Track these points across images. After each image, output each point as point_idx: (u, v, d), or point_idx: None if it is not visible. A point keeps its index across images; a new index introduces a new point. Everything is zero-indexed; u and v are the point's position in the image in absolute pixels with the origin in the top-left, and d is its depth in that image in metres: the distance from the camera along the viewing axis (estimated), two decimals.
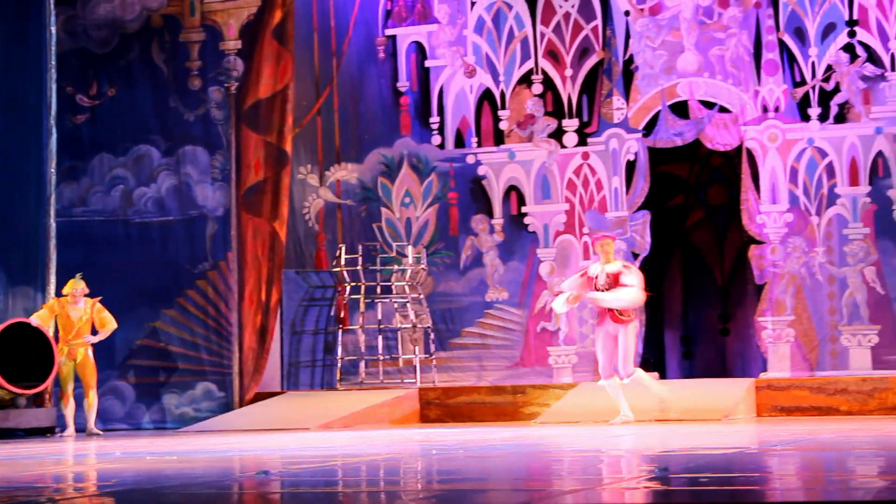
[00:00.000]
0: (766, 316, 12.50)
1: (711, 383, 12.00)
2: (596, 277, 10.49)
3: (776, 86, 12.71)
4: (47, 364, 11.64)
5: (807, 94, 12.66)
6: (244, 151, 13.07)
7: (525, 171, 13.40)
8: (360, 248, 13.19)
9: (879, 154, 12.44)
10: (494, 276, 13.36)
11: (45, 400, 12.33)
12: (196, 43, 13.36)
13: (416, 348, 13.07)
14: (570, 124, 13.31)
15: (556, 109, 13.36)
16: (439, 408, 12.21)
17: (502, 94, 13.52)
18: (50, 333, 11.77)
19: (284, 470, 6.41)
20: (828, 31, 12.63)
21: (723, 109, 12.89)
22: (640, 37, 13.11)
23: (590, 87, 13.27)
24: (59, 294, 12.13)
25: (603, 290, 10.45)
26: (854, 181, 12.50)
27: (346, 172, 13.76)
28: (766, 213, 12.65)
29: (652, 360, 13.28)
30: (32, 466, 7.30)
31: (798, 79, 12.68)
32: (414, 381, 12.83)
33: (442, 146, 13.66)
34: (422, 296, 13.25)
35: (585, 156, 13.26)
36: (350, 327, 13.22)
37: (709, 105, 12.93)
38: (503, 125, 13.51)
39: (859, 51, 12.51)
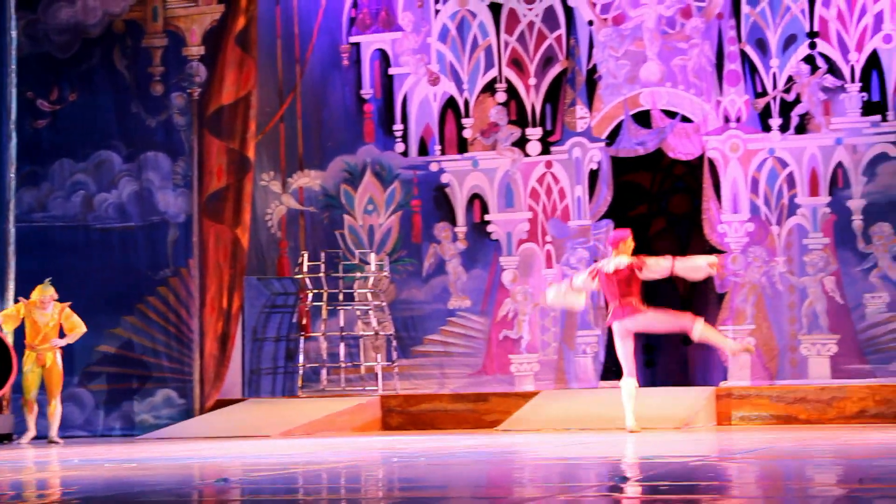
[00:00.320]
0: (726, 325, 12.56)
1: (673, 392, 12.05)
2: (610, 270, 10.15)
3: (738, 96, 12.80)
4: (5, 369, 11.52)
5: (768, 105, 12.76)
6: (206, 158, 13.02)
7: (488, 180, 13.43)
8: (322, 255, 13.16)
9: (839, 165, 12.55)
10: (457, 283, 13.37)
11: (2, 406, 12.22)
12: (158, 48, 13.30)
13: (379, 356, 13.05)
14: (534, 133, 13.35)
15: (520, 118, 13.39)
16: (401, 415, 12.20)
17: (466, 103, 13.54)
18: (9, 339, 11.66)
19: (244, 477, 6.38)
20: (789, 42, 12.74)
21: (685, 119, 12.97)
22: (604, 46, 13.17)
23: (553, 96, 13.32)
24: (24, 297, 11.99)
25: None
26: (814, 191, 12.60)
27: (308, 179, 13.74)
28: (727, 223, 12.73)
29: (614, 368, 13.31)
30: None
31: (759, 89, 12.78)
32: (376, 388, 12.81)
33: (405, 154, 13.66)
34: (384, 303, 13.24)
35: (549, 164, 13.30)
36: (312, 334, 13.19)
37: (671, 115, 13.01)
38: (467, 133, 13.53)
39: (820, 62, 12.62)
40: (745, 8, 12.83)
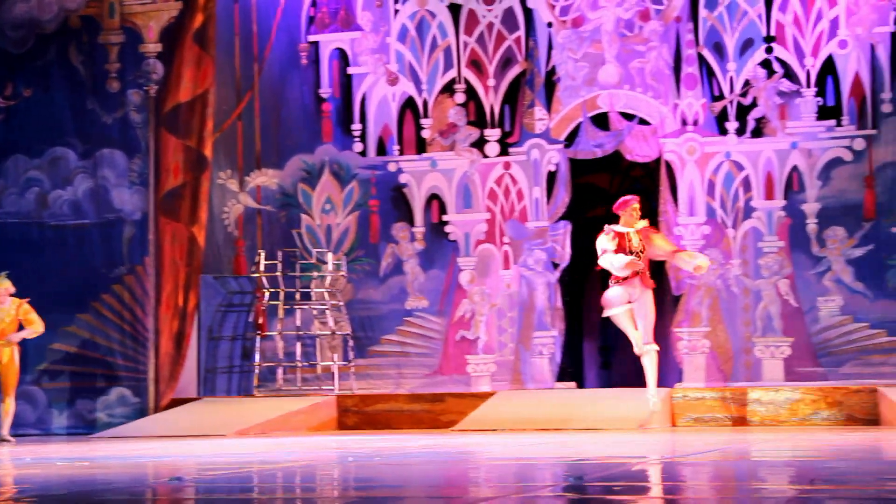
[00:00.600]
0: (682, 327, 12.64)
1: (628, 393, 12.09)
2: (627, 237, 10.19)
3: (695, 99, 12.88)
4: None
5: (725, 109, 12.84)
6: (163, 155, 12.94)
7: (447, 180, 13.43)
8: (279, 254, 13.12)
9: (794, 169, 12.65)
10: (414, 283, 13.37)
11: None
12: (115, 45, 13.21)
13: (335, 355, 13.02)
14: (492, 134, 13.37)
15: (479, 119, 13.41)
16: (357, 415, 12.18)
17: (425, 103, 13.54)
18: None
19: (199, 476, 6.34)
20: (746, 46, 12.83)
21: (642, 122, 13.03)
22: (563, 48, 13.21)
23: (512, 98, 13.35)
24: None
25: (638, 252, 10.18)
26: (769, 195, 12.70)
27: (266, 178, 13.69)
28: (683, 225, 12.80)
29: (570, 369, 13.37)
30: None
31: (716, 93, 12.86)
32: (332, 388, 12.79)
33: (364, 153, 13.64)
34: (341, 303, 13.21)
35: (507, 165, 13.33)
36: (268, 333, 13.14)
37: (629, 117, 13.07)
38: (425, 134, 13.53)
39: (776, 67, 12.72)
40: (702, 12, 12.91)
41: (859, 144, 12.49)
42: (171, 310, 12.74)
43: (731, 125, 12.79)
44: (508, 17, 13.40)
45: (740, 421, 11.21)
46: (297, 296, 13.06)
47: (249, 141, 13.67)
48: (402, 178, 13.52)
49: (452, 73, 13.51)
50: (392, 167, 13.56)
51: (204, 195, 12.95)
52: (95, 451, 8.96)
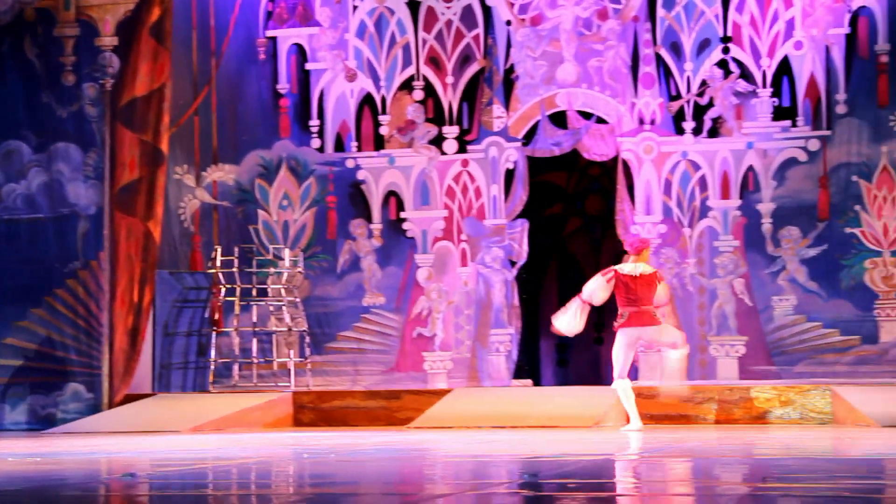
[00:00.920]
0: None
1: (584, 391, 12.14)
2: (629, 276, 9.77)
3: (652, 99, 12.94)
4: None
5: (682, 108, 12.91)
6: (119, 149, 12.84)
7: (405, 177, 13.42)
8: (236, 249, 13.05)
9: (750, 168, 12.74)
10: (372, 280, 13.35)
11: None
12: (70, 38, 13.09)
13: (291, 352, 12.98)
14: (451, 131, 13.37)
15: (437, 116, 13.41)
16: (313, 412, 12.14)
17: (383, 100, 13.52)
18: None
19: (153, 472, 6.30)
20: (703, 46, 12.90)
21: (600, 120, 13.07)
22: (521, 46, 13.23)
23: (470, 95, 13.35)
24: None
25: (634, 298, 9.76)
26: (725, 194, 12.78)
27: (223, 173, 13.62)
28: (640, 224, 12.86)
29: (526, 367, 13.40)
30: None
31: (674, 92, 12.93)
32: (288, 384, 12.74)
33: (321, 150, 13.60)
34: (298, 299, 13.17)
35: (465, 163, 13.33)
36: (224, 329, 13.07)
37: (586, 116, 13.11)
38: (383, 130, 13.51)
39: (732, 67, 12.80)
40: (660, 11, 12.97)
41: (814, 145, 12.59)
42: (125, 305, 12.65)
43: (688, 125, 12.86)
44: (467, 15, 13.40)
45: (694, 419, 11.27)
46: (254, 292, 13.00)
47: (206, 136, 13.59)
48: (360, 175, 13.49)
49: (411, 70, 13.50)
50: (350, 164, 13.53)
51: (160, 190, 12.86)
52: (49, 447, 8.88)
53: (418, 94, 13.44)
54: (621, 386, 9.93)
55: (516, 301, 13.12)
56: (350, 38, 13.63)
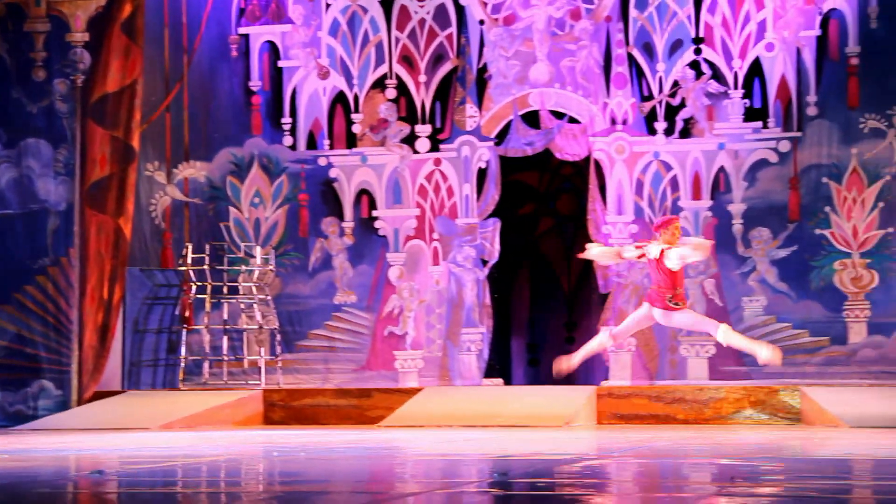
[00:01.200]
0: (609, 325, 12.71)
1: (555, 390, 12.16)
2: (654, 256, 9.31)
3: (624, 99, 12.97)
4: None
5: (654, 109, 12.95)
6: (89, 146, 12.78)
7: (377, 176, 13.41)
8: (207, 247, 13.01)
9: (721, 169, 12.79)
10: (343, 279, 13.34)
11: None
12: (41, 33, 13.01)
13: (262, 349, 12.95)
14: (423, 130, 13.37)
15: (410, 115, 13.40)
16: (283, 410, 12.12)
17: (356, 98, 13.51)
18: None
19: (121, 470, 6.28)
20: (675, 47, 12.95)
21: (572, 120, 13.10)
22: (494, 46, 13.24)
23: (443, 94, 13.35)
24: None
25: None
26: (696, 195, 12.82)
27: (194, 170, 13.57)
28: (611, 224, 12.89)
29: (497, 366, 13.41)
30: None
31: (646, 93, 12.97)
32: (258, 382, 12.71)
33: (293, 147, 13.57)
34: (269, 297, 13.14)
35: (437, 162, 13.34)
36: (195, 327, 13.03)
37: (559, 115, 13.13)
38: (356, 129, 13.50)
39: (704, 68, 12.85)
40: (633, 12, 13.00)
41: (784, 146, 12.65)
42: (95, 302, 12.59)
43: (660, 125, 12.90)
44: (440, 14, 13.40)
45: (665, 419, 11.32)
46: (225, 289, 12.96)
47: (178, 133, 13.54)
48: (332, 173, 13.47)
49: (384, 69, 13.49)
50: (322, 161, 13.51)
51: (131, 187, 12.81)
52: (17, 443, 8.83)
53: (391, 93, 13.44)
54: (602, 336, 9.67)
55: (488, 300, 13.13)
56: (323, 36, 13.60)
